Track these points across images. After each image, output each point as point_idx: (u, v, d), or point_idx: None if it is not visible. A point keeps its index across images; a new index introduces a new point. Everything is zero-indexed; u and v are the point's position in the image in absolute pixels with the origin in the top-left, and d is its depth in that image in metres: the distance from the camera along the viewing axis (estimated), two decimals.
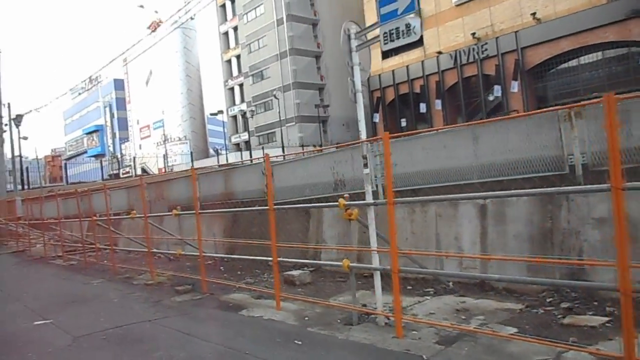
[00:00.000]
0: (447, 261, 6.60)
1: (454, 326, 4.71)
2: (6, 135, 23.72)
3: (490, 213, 6.34)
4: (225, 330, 5.38)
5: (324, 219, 8.10)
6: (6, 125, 23.87)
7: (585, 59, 34.90)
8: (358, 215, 5.42)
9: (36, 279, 9.77)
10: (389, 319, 5.07)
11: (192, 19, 59.15)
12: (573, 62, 35.25)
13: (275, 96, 40.42)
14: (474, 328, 4.69)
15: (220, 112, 53.01)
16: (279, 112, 42.29)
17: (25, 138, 29.96)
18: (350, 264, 5.39)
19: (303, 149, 40.93)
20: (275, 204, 6.51)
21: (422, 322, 4.92)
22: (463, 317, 5.16)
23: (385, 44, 5.85)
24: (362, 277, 6.78)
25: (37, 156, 27.12)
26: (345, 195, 5.74)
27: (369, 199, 5.59)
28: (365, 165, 5.72)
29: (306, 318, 5.57)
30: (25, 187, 26.86)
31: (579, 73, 35.33)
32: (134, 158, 57.82)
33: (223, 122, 60.41)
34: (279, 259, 6.24)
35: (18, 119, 24.65)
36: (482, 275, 6.00)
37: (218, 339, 5.04)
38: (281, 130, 42.06)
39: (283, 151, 37.79)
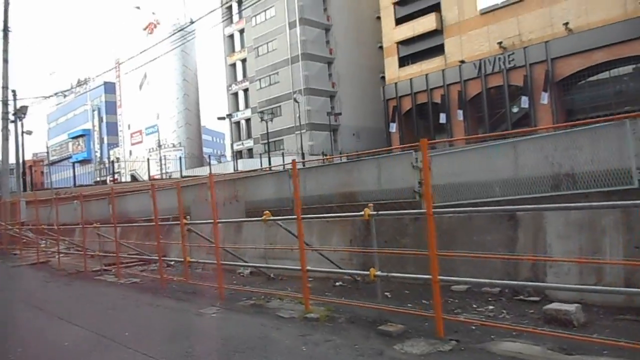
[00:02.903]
0: None
1: None
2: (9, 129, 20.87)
3: None
4: None
5: (548, 227, 5.81)
6: (14, 114, 21.01)
7: (616, 72, 33.87)
8: None
9: (109, 306, 7.14)
10: None
11: (192, 22, 56.82)
12: (604, 75, 34.15)
13: (295, 99, 38.16)
14: None
15: (229, 115, 50.32)
16: (298, 116, 39.98)
17: (29, 132, 26.93)
18: None
19: (324, 157, 38.69)
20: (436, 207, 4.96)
21: None
22: None
23: None
24: None
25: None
26: None
27: None
28: None
29: None
30: (28, 188, 23.92)
31: (609, 86, 34.23)
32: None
33: (215, 132, 57.75)
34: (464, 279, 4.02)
35: (22, 110, 21.81)
36: None
37: None
38: (301, 135, 39.64)
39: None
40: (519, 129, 36.82)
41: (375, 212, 5.26)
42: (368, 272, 5.22)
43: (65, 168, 62.82)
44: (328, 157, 40.29)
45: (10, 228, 18.66)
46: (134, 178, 55.10)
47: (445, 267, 6.66)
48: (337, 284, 7.65)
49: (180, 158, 37.32)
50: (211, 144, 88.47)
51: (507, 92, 37.34)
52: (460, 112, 39.53)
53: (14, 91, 21.26)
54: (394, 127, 44.41)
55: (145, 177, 54.31)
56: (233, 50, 56.34)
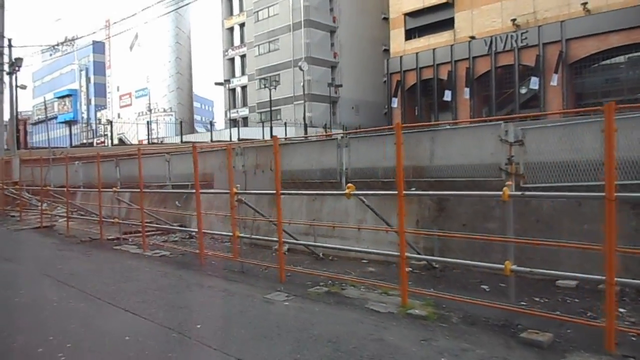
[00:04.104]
0: None
1: None
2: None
3: None
4: None
5: None
6: (11, 65, 19.36)
7: (630, 57, 33.11)
8: None
9: (151, 284, 6.06)
10: None
11: None
12: (618, 59, 33.40)
13: (300, 67, 36.53)
14: None
15: (227, 81, 48.41)
16: (302, 85, 38.47)
17: (23, 87, 25.12)
18: None
19: (326, 130, 37.59)
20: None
21: None
22: None
23: None
24: None
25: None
26: None
27: None
28: None
29: None
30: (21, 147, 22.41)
31: (622, 71, 33.55)
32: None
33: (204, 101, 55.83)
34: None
35: (18, 63, 20.15)
36: None
37: None
38: (304, 105, 38.21)
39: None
40: (527, 110, 36.16)
41: (519, 193, 4.34)
42: (501, 266, 4.32)
43: (50, 128, 60.40)
44: (329, 133, 39.23)
45: (6, 188, 17.39)
46: (121, 142, 53.15)
47: (547, 258, 5.84)
48: (408, 270, 6.77)
49: (180, 122, 35.68)
50: (200, 111, 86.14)
51: (518, 71, 36.37)
52: (467, 90, 38.54)
53: (9, 40, 19.58)
54: (395, 102, 43.29)
55: (134, 141, 52.44)
56: (231, 13, 53.98)
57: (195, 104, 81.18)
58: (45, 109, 59.90)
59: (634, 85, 32.11)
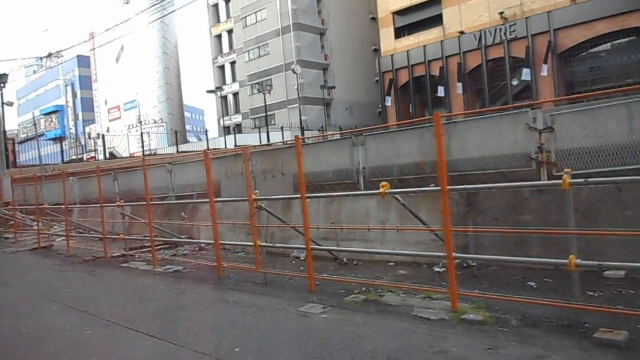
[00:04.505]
0: None
1: None
2: None
3: None
4: None
5: None
6: None
7: (617, 44, 33.19)
8: None
9: (170, 304, 5.77)
10: None
11: None
12: (605, 46, 33.48)
13: (293, 70, 36.08)
14: None
15: (219, 88, 47.86)
16: (297, 88, 38.03)
17: (10, 104, 24.48)
18: None
19: (324, 132, 37.30)
20: None
21: None
22: None
23: None
24: None
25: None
26: None
27: None
28: None
29: None
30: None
31: (611, 58, 33.60)
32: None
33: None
34: None
35: (3, 79, 19.59)
36: None
37: None
38: (299, 108, 37.73)
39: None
40: (520, 101, 36.10)
41: (582, 180, 3.99)
42: (565, 261, 3.96)
43: (39, 145, 59.36)
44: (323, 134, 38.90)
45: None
46: (112, 156, 52.35)
47: (587, 248, 5.51)
48: (437, 269, 6.43)
49: (175, 132, 35.13)
50: (191, 120, 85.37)
51: (508, 63, 36.34)
52: (460, 84, 38.49)
53: None
54: (389, 101, 43.08)
55: (125, 155, 51.62)
56: (218, 21, 53.52)
57: (186, 114, 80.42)
58: (36, 124, 58.95)
59: (622, 71, 32.16)
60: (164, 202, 11.83)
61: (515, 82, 36.72)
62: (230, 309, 5.40)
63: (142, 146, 49.07)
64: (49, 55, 70.76)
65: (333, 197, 8.31)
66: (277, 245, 7.62)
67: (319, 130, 41.00)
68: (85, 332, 4.97)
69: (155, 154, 44.08)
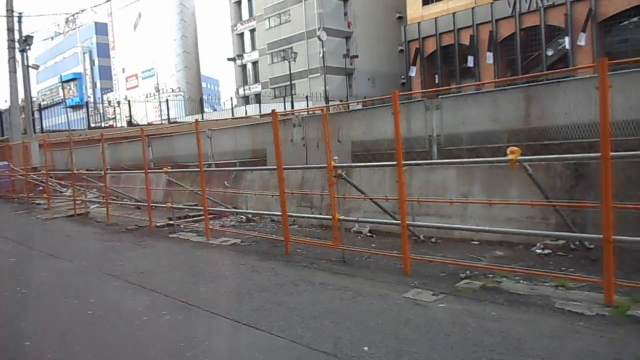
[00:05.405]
0: None
1: None
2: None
3: None
4: None
5: None
6: (23, 42, 18.09)
7: None
8: None
9: (247, 284, 5.11)
10: None
11: None
12: None
13: (319, 37, 34.85)
14: None
15: (240, 56, 46.73)
16: (321, 56, 36.75)
17: (35, 67, 23.85)
18: None
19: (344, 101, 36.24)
20: None
21: None
22: None
23: None
24: None
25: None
26: None
27: None
28: None
29: None
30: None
31: None
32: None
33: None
34: None
35: (28, 41, 18.90)
36: None
37: None
38: (324, 77, 36.58)
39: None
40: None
41: None
42: None
43: (58, 113, 59.07)
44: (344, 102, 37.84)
45: (28, 174, 16.34)
46: (130, 124, 51.87)
47: None
48: (540, 251, 5.68)
49: (200, 99, 34.41)
50: (206, 90, 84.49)
51: (544, 32, 34.63)
52: (490, 54, 36.97)
53: (19, 14, 18.24)
54: (414, 71, 41.73)
55: (144, 123, 51.08)
56: None
57: (202, 84, 79.45)
58: (63, 88, 58.68)
59: None
60: (224, 169, 11.13)
61: (550, 52, 35.11)
62: (322, 292, 4.76)
63: (168, 114, 48.42)
64: (72, 16, 69.23)
65: (409, 166, 7.56)
66: (361, 220, 6.89)
67: (341, 101, 39.94)
68: (163, 316, 4.36)
69: (176, 123, 43.51)
